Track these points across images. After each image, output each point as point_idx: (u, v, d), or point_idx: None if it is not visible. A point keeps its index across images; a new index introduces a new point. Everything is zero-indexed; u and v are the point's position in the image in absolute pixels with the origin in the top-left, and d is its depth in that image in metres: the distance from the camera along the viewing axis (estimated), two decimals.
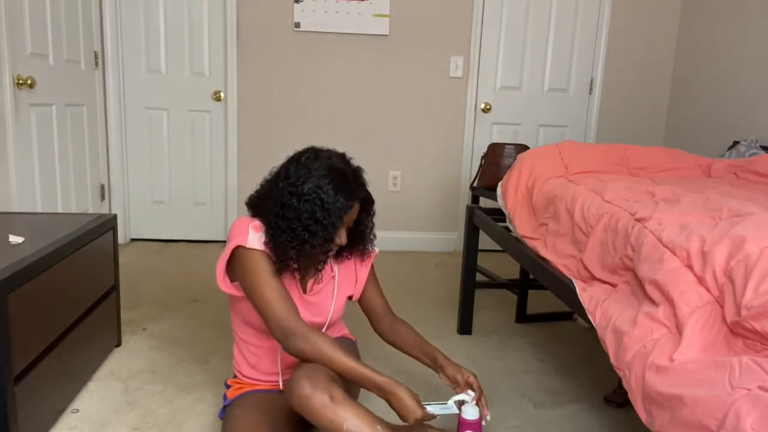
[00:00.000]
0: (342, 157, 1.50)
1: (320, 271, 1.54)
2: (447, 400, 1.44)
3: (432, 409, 1.36)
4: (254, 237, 1.43)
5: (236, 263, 1.45)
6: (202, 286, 2.92)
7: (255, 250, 1.42)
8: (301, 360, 1.37)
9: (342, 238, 1.49)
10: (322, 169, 1.43)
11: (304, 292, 1.57)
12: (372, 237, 1.63)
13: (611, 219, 1.52)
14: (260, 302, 1.39)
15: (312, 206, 1.40)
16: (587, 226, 1.62)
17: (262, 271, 1.41)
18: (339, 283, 1.63)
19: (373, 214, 1.59)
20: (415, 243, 3.87)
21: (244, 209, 3.68)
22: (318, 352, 1.34)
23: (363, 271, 1.69)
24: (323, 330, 1.62)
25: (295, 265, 1.45)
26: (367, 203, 1.55)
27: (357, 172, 1.50)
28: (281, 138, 3.68)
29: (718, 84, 3.40)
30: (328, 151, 1.49)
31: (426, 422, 1.52)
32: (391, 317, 1.73)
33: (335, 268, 1.63)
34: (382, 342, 1.78)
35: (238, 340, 1.62)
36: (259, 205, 1.51)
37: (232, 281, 1.50)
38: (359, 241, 1.60)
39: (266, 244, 1.44)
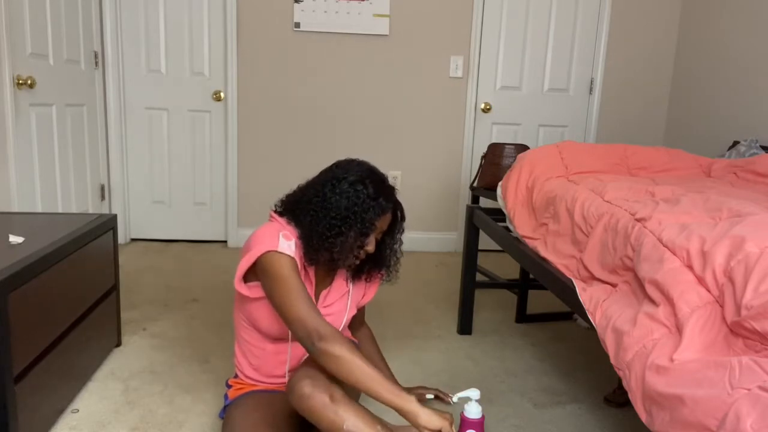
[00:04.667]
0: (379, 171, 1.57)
1: (350, 267, 1.55)
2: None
3: None
4: (285, 244, 1.43)
5: (263, 267, 1.42)
6: (202, 286, 2.92)
7: (286, 255, 1.41)
8: (322, 363, 1.32)
9: (371, 244, 1.50)
10: (365, 171, 1.50)
11: (316, 302, 1.58)
12: (395, 261, 1.63)
13: (611, 219, 1.52)
14: (286, 304, 1.36)
15: (354, 200, 1.44)
16: (587, 226, 1.62)
17: (292, 276, 1.39)
18: (351, 300, 1.65)
19: (401, 234, 1.61)
20: (415, 243, 3.86)
21: (244, 209, 3.72)
22: (341, 355, 1.29)
23: (371, 290, 1.72)
24: None
25: (327, 256, 1.46)
26: (398, 220, 1.58)
27: (393, 186, 1.55)
28: (281, 138, 3.68)
29: (718, 84, 3.40)
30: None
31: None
32: (360, 321, 1.82)
33: (350, 285, 1.64)
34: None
35: (241, 341, 1.62)
36: (294, 201, 1.53)
37: (245, 282, 1.50)
38: (381, 261, 1.61)
39: (299, 237, 1.46)
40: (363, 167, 1.51)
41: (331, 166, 1.54)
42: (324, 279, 1.60)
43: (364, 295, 1.71)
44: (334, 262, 1.49)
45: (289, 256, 1.42)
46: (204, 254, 3.51)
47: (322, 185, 1.49)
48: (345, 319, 1.62)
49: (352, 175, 1.47)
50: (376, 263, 1.61)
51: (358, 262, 1.53)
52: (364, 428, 1.27)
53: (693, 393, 0.97)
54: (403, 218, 1.60)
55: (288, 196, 1.57)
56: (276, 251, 1.41)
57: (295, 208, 1.51)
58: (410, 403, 1.27)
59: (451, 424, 1.28)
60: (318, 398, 1.28)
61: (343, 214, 1.44)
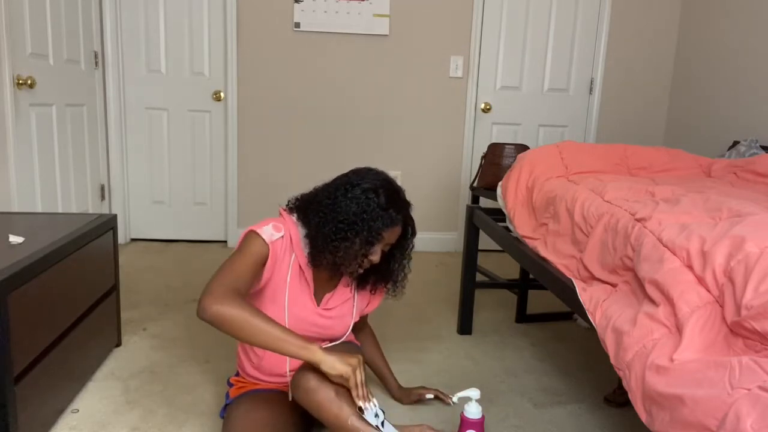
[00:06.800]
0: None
1: (352, 274, 1.54)
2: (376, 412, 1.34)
3: (368, 416, 1.29)
4: (269, 231, 1.45)
5: (239, 242, 1.46)
6: (202, 286, 2.92)
7: (261, 238, 1.43)
8: (219, 327, 1.27)
9: (376, 255, 1.49)
10: (380, 180, 1.48)
11: (317, 304, 1.58)
12: (402, 277, 1.62)
13: (611, 219, 1.52)
14: (219, 269, 1.37)
15: (364, 206, 1.43)
16: (587, 226, 1.62)
17: (248, 255, 1.40)
18: (356, 308, 1.65)
19: (410, 250, 1.60)
20: (416, 243, 3.86)
21: (244, 209, 3.72)
22: (233, 315, 1.24)
23: (375, 301, 1.73)
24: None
25: (330, 259, 1.45)
26: (408, 235, 1.57)
27: (407, 201, 1.54)
28: (281, 138, 3.68)
29: (718, 84, 3.40)
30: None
31: (426, 424, 1.53)
32: (363, 322, 1.82)
33: (354, 292, 1.64)
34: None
35: None
36: (307, 201, 1.53)
37: None
38: (387, 275, 1.60)
39: (306, 236, 1.47)
40: (379, 176, 1.50)
41: (349, 171, 1.54)
42: (328, 282, 1.60)
43: (367, 305, 1.71)
44: (336, 267, 1.48)
45: (264, 241, 1.43)
46: (204, 254, 3.51)
47: (335, 189, 1.48)
48: (349, 324, 1.62)
49: (367, 183, 1.46)
50: (382, 276, 1.60)
51: (361, 270, 1.52)
52: (368, 425, 1.27)
53: (693, 393, 0.97)
54: (413, 233, 1.58)
55: (302, 195, 1.57)
56: (255, 231, 1.44)
57: (306, 207, 1.52)
58: (315, 353, 1.25)
59: (354, 370, 1.26)
60: (323, 393, 1.29)
61: (351, 220, 1.43)
